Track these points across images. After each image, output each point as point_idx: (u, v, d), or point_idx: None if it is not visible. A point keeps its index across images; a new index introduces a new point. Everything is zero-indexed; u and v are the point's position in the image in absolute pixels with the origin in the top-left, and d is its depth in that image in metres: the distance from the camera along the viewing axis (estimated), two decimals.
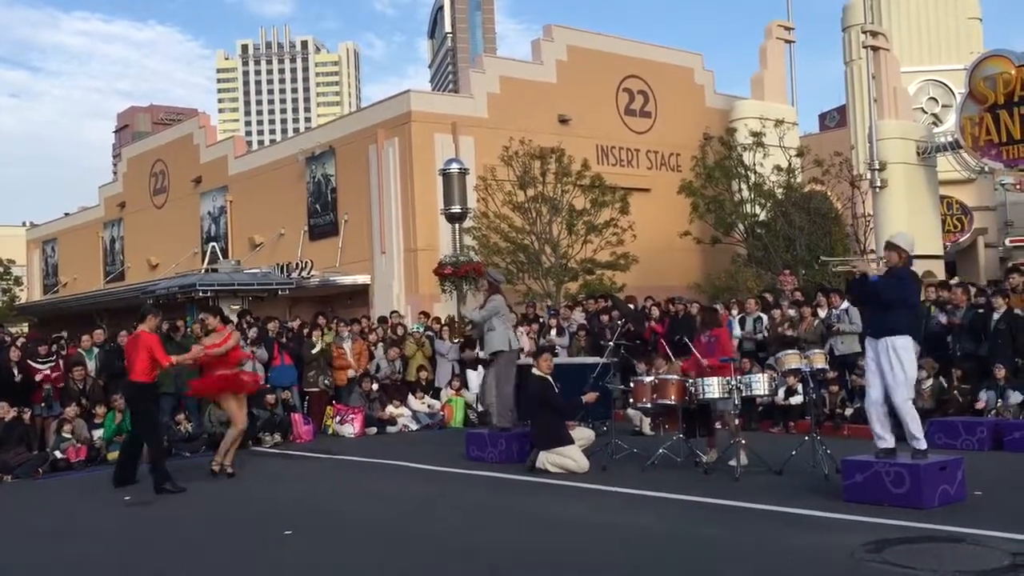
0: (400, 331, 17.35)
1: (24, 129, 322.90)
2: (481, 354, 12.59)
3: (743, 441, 9.57)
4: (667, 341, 12.33)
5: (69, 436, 12.44)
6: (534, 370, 10.59)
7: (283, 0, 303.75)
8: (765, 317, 14.81)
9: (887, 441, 7.91)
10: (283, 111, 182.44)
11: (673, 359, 11.26)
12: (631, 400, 10.95)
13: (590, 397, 10.71)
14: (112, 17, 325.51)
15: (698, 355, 10.16)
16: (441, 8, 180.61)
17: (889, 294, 7.85)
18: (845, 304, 13.45)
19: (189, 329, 15.49)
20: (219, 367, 10.93)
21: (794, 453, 9.47)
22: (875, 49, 24.77)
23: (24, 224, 55.44)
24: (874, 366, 7.97)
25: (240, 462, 11.43)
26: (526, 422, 11.22)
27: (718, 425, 10.48)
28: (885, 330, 7.89)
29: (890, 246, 8.19)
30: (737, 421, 9.78)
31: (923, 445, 7.83)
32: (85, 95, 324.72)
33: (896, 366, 7.82)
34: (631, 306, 17.05)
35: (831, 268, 8.55)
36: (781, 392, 12.61)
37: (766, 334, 14.51)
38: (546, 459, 10.06)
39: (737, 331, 14.75)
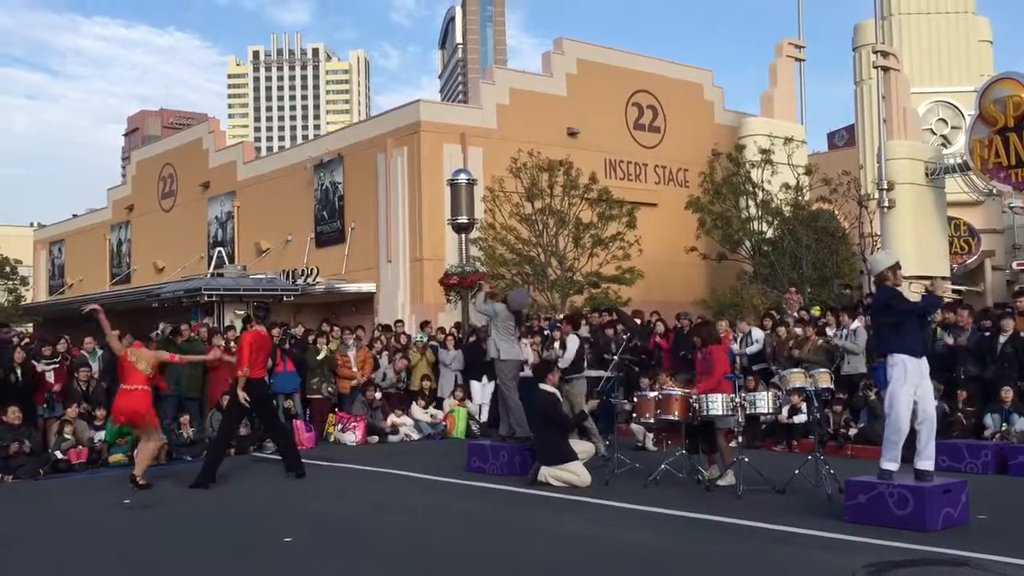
0: (403, 340, 17.32)
1: (38, 131, 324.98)
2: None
3: (746, 459, 9.53)
4: (672, 356, 12.31)
5: (70, 437, 12.44)
6: (542, 385, 10.56)
7: (301, 9, 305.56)
8: (755, 330, 14.81)
9: (898, 463, 7.85)
10: (292, 118, 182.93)
11: (675, 375, 11.26)
12: (634, 415, 10.93)
13: (592, 405, 10.86)
14: (132, 23, 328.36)
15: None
16: (453, 19, 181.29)
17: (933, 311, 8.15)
18: (855, 324, 13.42)
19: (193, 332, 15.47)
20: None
21: (797, 472, 9.42)
22: (885, 69, 24.75)
23: (32, 225, 55.68)
24: (913, 388, 7.86)
25: (241, 468, 11.42)
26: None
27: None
28: (925, 349, 8.03)
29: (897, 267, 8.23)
30: (740, 439, 9.73)
31: (931, 466, 7.79)
32: (102, 99, 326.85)
33: (929, 384, 7.99)
34: (637, 320, 16.99)
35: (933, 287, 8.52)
36: (785, 411, 12.56)
37: (769, 349, 14.46)
38: (548, 473, 10.02)
39: (735, 347, 14.70)
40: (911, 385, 7.85)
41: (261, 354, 10.92)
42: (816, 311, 16.16)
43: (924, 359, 7.93)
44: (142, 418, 10.69)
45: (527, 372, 12.42)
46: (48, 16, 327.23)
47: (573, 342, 12.45)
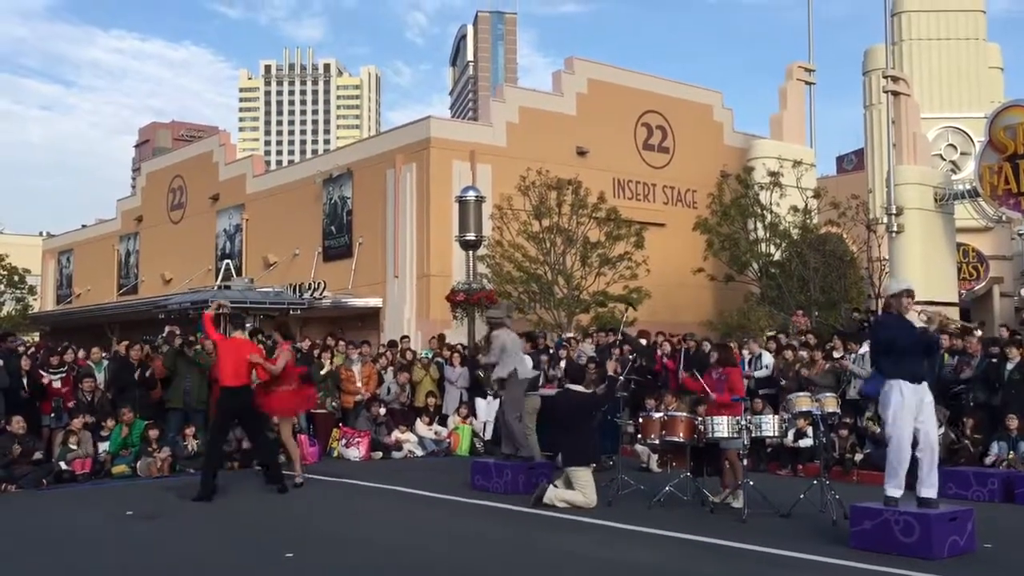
0: (408, 356, 17.32)
1: (51, 142, 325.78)
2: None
3: (751, 483, 9.49)
4: (678, 377, 12.28)
5: (75, 448, 12.42)
6: (572, 386, 10.48)
7: (315, 25, 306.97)
8: (766, 354, 14.77)
9: (902, 490, 7.81)
10: (303, 132, 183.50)
11: (680, 395, 11.23)
12: (639, 436, 10.89)
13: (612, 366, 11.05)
14: (148, 36, 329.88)
15: (707, 388, 10.10)
16: (464, 37, 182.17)
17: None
18: (863, 349, 13.37)
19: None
20: (283, 383, 11.14)
21: (802, 496, 9.37)
22: (895, 94, 24.81)
23: (41, 234, 55.80)
24: (912, 414, 7.82)
25: (244, 482, 11.40)
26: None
27: (727, 464, 10.39)
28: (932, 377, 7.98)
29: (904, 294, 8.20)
30: (745, 462, 9.69)
31: (934, 494, 7.74)
32: (116, 111, 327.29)
33: (931, 411, 7.90)
34: (642, 341, 16.97)
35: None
36: (791, 434, 12.51)
37: (776, 373, 14.41)
38: (555, 495, 9.91)
39: (745, 369, 14.68)
40: (909, 411, 7.81)
41: (241, 364, 10.74)
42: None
43: (924, 385, 7.86)
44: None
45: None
46: (65, 28, 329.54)
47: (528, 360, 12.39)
